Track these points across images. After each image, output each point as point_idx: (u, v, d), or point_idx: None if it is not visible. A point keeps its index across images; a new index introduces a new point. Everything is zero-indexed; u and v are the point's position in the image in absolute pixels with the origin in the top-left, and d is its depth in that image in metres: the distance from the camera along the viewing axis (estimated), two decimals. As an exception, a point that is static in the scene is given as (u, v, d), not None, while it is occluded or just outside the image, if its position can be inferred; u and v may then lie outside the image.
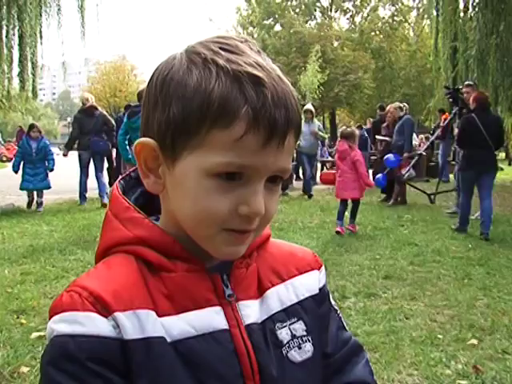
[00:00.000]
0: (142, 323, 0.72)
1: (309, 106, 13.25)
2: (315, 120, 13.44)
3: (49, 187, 10.16)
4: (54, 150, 12.66)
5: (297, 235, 7.38)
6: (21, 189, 10.07)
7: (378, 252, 6.50)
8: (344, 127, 7.95)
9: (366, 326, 4.01)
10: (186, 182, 0.73)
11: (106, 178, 11.46)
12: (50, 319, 0.73)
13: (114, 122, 11.39)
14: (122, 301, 0.72)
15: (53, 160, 10.16)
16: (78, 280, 0.76)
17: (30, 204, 10.28)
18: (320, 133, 13.26)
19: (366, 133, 15.43)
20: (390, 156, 10.39)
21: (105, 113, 11.45)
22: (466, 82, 9.83)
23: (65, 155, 11.51)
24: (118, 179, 0.88)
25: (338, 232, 7.59)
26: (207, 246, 0.77)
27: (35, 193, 10.21)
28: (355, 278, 5.32)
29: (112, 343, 0.70)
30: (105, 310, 0.71)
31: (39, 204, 10.10)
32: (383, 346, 3.64)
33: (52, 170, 10.15)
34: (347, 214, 7.91)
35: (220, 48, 0.73)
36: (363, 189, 7.78)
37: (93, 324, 0.70)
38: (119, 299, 0.72)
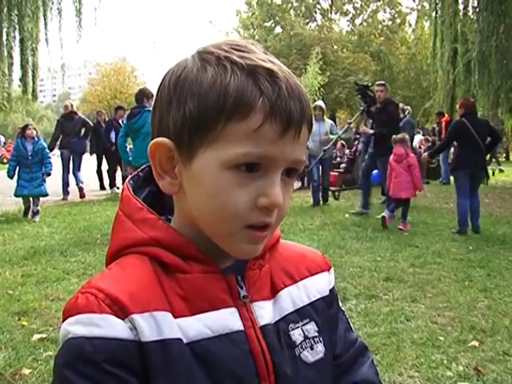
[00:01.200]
0: (158, 325, 0.72)
1: (319, 103, 11.94)
2: (326, 119, 11.69)
3: (45, 194, 9.38)
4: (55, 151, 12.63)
5: (297, 237, 7.37)
6: (15, 195, 9.28)
7: (379, 254, 6.50)
8: (400, 135, 8.45)
9: (367, 328, 4.01)
10: (205, 177, 0.74)
11: (82, 175, 12.81)
12: (63, 321, 0.73)
13: (103, 123, 13.83)
14: (138, 302, 0.72)
15: (50, 163, 9.35)
16: (92, 281, 0.76)
17: (26, 212, 9.38)
18: (331, 136, 11.16)
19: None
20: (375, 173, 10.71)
21: (83, 117, 13.24)
22: (378, 82, 9.99)
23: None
24: (128, 179, 0.88)
25: (383, 218, 8.23)
26: (226, 245, 0.78)
27: (31, 199, 9.30)
28: (356, 280, 5.32)
29: (129, 345, 0.70)
30: (121, 311, 0.71)
31: (35, 213, 9.14)
32: (384, 348, 3.64)
33: (49, 174, 9.34)
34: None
35: (231, 48, 0.75)
36: (415, 189, 8.43)
37: (110, 326, 0.70)
38: (135, 301, 0.72)
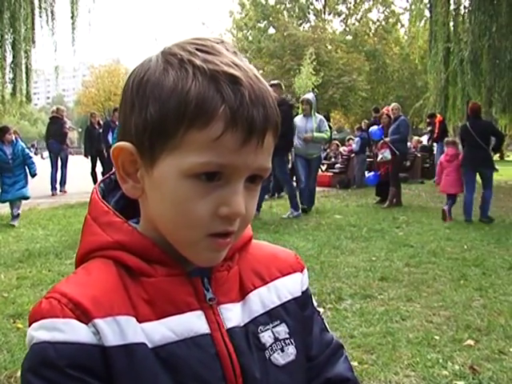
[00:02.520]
0: (122, 329, 0.71)
1: (308, 96, 10.62)
2: (316, 114, 10.25)
3: (26, 197, 8.84)
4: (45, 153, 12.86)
5: (292, 238, 7.38)
6: (0, 201, 8.78)
7: (374, 254, 6.51)
8: (451, 138, 9.66)
9: (362, 328, 4.01)
10: (165, 184, 0.72)
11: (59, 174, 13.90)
12: (29, 326, 0.73)
13: (96, 125, 14.27)
14: (101, 307, 0.72)
15: (33, 163, 8.84)
16: (56, 286, 0.75)
17: (15, 217, 8.72)
18: (318, 134, 9.91)
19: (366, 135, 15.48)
20: (375, 128, 11.00)
21: (65, 120, 14.31)
22: (272, 82, 9.60)
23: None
24: (98, 182, 0.87)
25: (443, 210, 9.24)
26: (188, 252, 0.77)
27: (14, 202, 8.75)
28: (351, 280, 5.32)
29: (92, 350, 0.69)
30: (84, 316, 0.70)
31: (14, 216, 8.62)
32: (380, 348, 3.65)
33: (35, 175, 8.90)
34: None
35: (196, 49, 0.73)
36: (462, 186, 9.31)
37: (72, 331, 0.69)
38: (99, 305, 0.72)
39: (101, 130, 13.87)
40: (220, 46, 0.75)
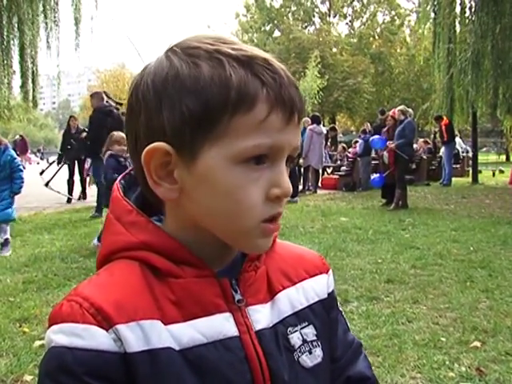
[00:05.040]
0: (146, 334, 0.70)
1: None
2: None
3: (12, 219, 7.25)
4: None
5: (298, 240, 7.36)
6: None
7: (380, 256, 6.50)
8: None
9: (368, 330, 4.01)
10: (214, 175, 0.71)
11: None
12: (48, 328, 0.72)
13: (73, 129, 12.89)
14: (124, 312, 0.70)
15: (20, 178, 7.07)
16: (79, 288, 0.74)
17: (3, 245, 6.99)
18: None
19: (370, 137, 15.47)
20: (376, 138, 10.88)
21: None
22: (94, 91, 10.12)
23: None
24: (118, 179, 0.85)
25: None
26: (241, 242, 0.76)
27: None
28: (357, 282, 5.32)
29: (112, 357, 0.68)
30: (106, 322, 0.69)
31: (3, 244, 6.98)
32: (386, 350, 3.64)
33: (17, 193, 7.14)
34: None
35: (215, 40, 0.73)
36: None
37: (92, 337, 0.68)
38: (122, 310, 0.70)
39: (83, 135, 11.90)
40: (232, 38, 0.77)
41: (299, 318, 0.85)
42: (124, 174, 0.86)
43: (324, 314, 0.90)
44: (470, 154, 20.85)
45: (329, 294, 0.93)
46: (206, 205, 0.74)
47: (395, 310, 4.49)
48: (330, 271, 0.97)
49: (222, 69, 0.69)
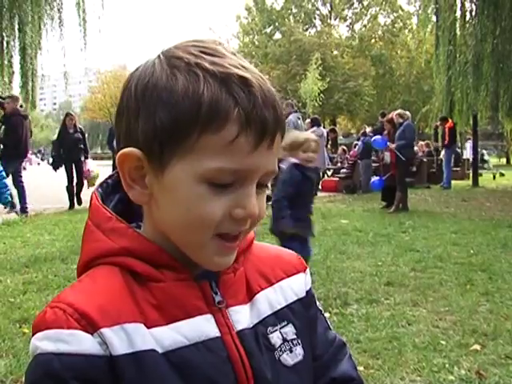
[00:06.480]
0: (130, 337, 0.71)
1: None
2: (294, 113, 10.24)
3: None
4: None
5: (298, 242, 7.35)
6: None
7: (380, 258, 6.50)
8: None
9: (368, 333, 4.00)
10: (178, 188, 0.72)
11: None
12: (33, 335, 0.72)
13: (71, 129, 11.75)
14: (108, 316, 0.71)
15: (6, 187, 6.75)
16: (61, 295, 0.75)
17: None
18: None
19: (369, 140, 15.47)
20: (378, 137, 10.82)
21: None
22: (9, 94, 10.26)
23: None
24: (96, 187, 0.85)
25: None
26: (197, 256, 0.76)
27: None
28: (357, 285, 5.32)
29: (98, 361, 0.69)
30: (90, 326, 0.69)
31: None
32: (386, 353, 3.63)
33: (6, 203, 6.94)
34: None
35: (201, 51, 0.72)
36: None
37: (78, 342, 0.68)
38: (105, 314, 0.71)
39: (79, 135, 11.74)
40: (221, 48, 0.74)
41: (278, 317, 0.86)
42: (101, 182, 0.87)
43: (303, 312, 0.91)
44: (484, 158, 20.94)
45: (307, 292, 0.94)
46: (168, 215, 0.75)
47: (395, 312, 4.49)
48: (308, 270, 0.98)
49: (197, 84, 0.69)
